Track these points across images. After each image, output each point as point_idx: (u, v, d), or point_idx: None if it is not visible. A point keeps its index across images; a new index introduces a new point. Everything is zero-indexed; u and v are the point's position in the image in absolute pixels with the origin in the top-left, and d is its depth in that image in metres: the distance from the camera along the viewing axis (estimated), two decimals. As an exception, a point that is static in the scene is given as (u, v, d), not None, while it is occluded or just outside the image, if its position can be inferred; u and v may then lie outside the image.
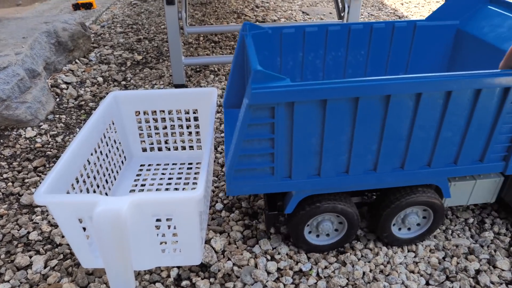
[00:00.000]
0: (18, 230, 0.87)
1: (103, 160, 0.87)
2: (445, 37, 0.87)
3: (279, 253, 0.79)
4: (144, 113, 0.99)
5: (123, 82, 1.56)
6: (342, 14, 1.44)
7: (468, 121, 0.63)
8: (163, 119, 1.03)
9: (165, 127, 1.03)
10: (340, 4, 1.47)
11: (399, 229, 0.78)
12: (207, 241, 0.82)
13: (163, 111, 0.99)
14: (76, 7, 2.46)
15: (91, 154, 0.81)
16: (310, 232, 0.76)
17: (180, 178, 0.99)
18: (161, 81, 1.56)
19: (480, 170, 0.70)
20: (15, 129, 1.23)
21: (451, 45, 0.88)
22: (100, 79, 1.57)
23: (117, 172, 0.96)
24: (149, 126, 1.00)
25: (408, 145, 0.64)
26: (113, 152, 0.93)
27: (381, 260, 0.78)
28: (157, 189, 0.95)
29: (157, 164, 1.04)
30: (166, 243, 0.70)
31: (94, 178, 0.82)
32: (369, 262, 0.78)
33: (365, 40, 0.85)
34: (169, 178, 0.99)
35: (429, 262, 0.78)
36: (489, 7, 0.82)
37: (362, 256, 0.79)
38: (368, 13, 2.51)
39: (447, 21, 0.85)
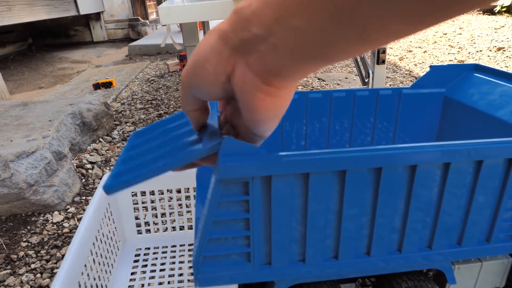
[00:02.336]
0: (49, 329, 0.80)
1: (103, 249, 0.85)
2: (432, 105, 0.86)
3: None
4: (141, 193, 0.99)
5: (148, 159, 1.55)
6: (366, 80, 1.46)
7: (470, 196, 0.59)
8: (161, 199, 1.02)
9: (162, 208, 1.02)
10: (363, 70, 1.49)
11: None
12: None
13: (161, 191, 0.97)
14: (97, 86, 2.54)
15: (93, 244, 0.79)
16: None
17: (182, 262, 0.96)
18: (186, 156, 1.54)
19: (487, 252, 0.64)
20: (42, 214, 1.20)
21: (439, 114, 0.87)
22: (125, 157, 1.56)
23: (114, 260, 0.92)
24: (146, 207, 0.96)
25: (405, 224, 0.59)
26: (110, 238, 0.92)
27: None
28: (160, 277, 0.91)
29: (155, 247, 1.01)
30: None
31: (96, 270, 0.79)
32: None
33: (349, 108, 0.84)
34: (171, 263, 0.96)
35: None
36: (475, 74, 0.81)
37: None
38: (383, 76, 2.57)
39: (433, 88, 0.84)
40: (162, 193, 0.97)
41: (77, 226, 1.17)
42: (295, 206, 0.54)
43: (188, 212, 1.02)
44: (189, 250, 0.98)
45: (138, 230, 1.01)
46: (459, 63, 0.87)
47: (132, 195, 0.97)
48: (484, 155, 0.53)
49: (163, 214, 1.05)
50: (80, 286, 0.69)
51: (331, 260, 0.59)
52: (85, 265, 0.73)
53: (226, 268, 0.57)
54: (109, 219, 0.91)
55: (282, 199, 0.52)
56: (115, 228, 0.95)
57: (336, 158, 0.50)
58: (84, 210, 1.24)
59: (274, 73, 0.30)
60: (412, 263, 0.61)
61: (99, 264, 0.80)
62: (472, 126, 0.77)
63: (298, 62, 0.29)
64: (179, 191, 0.99)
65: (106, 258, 0.86)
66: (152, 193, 0.97)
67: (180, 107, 2.19)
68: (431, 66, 0.83)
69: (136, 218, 1.00)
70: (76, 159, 1.54)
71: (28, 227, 1.16)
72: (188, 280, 0.89)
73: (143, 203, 0.99)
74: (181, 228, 1.02)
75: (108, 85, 2.59)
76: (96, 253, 0.80)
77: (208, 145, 0.45)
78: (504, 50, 2.92)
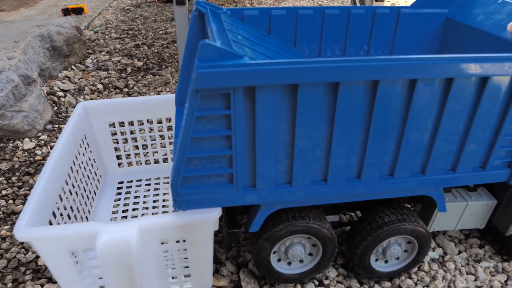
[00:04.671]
0: (25, 255, 0.77)
1: (80, 180, 0.80)
2: (432, 26, 0.80)
3: (327, 278, 0.71)
4: (120, 124, 0.92)
5: (125, 89, 1.47)
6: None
7: (469, 118, 0.55)
8: (141, 130, 0.96)
9: (143, 139, 0.96)
10: (358, 2, 1.41)
11: (376, 260, 0.71)
12: (245, 264, 0.72)
13: (141, 122, 0.92)
14: (66, 12, 2.35)
15: (68, 174, 0.74)
16: (279, 260, 0.67)
17: (166, 194, 0.92)
18: (167, 88, 1.47)
19: (482, 178, 0.62)
20: (11, 141, 1.12)
21: (440, 35, 0.82)
22: (100, 86, 1.47)
23: (94, 193, 0.88)
24: (125, 139, 0.90)
25: (399, 146, 0.55)
26: (89, 171, 0.86)
27: (441, 285, 0.70)
28: (144, 208, 0.88)
29: (138, 180, 0.96)
30: (173, 269, 0.64)
31: (74, 201, 0.75)
32: (427, 286, 0.70)
33: (343, 26, 0.78)
34: (155, 195, 0.92)
35: (491, 286, 0.71)
36: None
37: (418, 280, 0.72)
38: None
39: (434, 9, 0.79)
40: (142, 124, 0.90)
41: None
42: (282, 122, 0.50)
43: (171, 143, 0.97)
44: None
45: (119, 163, 0.96)
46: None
47: (110, 126, 0.90)
48: (490, 70, 0.49)
49: (144, 146, 0.99)
50: (55, 216, 0.65)
51: (320, 183, 0.56)
52: (60, 195, 0.68)
53: (207, 190, 0.54)
54: (86, 150, 0.85)
55: (267, 114, 0.48)
56: (94, 160, 0.89)
57: (329, 67, 0.45)
58: (57, 138, 1.17)
59: None
60: (403, 188, 0.59)
61: (77, 195, 0.76)
62: (475, 48, 0.72)
63: None
64: (159, 122, 0.93)
65: (85, 190, 0.81)
66: (131, 123, 0.90)
67: (159, 38, 2.05)
68: None
69: (116, 150, 0.95)
70: (46, 86, 1.43)
71: (-4, 153, 1.09)
72: (173, 211, 0.86)
73: (122, 134, 0.93)
74: (165, 160, 0.97)
75: (79, 11, 2.39)
76: (73, 184, 0.75)
77: None
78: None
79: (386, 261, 0.70)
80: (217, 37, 0.53)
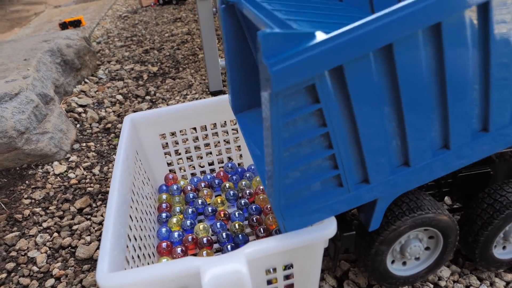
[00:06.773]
0: (89, 296, 0.66)
1: (142, 203, 0.70)
2: None
3: (440, 278, 0.63)
4: (171, 134, 0.84)
5: (148, 97, 1.36)
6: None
7: None
8: (196, 139, 0.88)
9: (198, 148, 0.89)
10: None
11: (495, 246, 0.62)
12: (345, 275, 0.63)
13: (194, 129, 0.84)
14: (64, 26, 2.23)
15: (132, 201, 0.64)
16: (393, 262, 0.59)
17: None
18: (192, 90, 1.36)
19: None
20: (40, 166, 1.01)
21: None
22: (120, 97, 1.37)
23: (152, 214, 0.77)
24: (177, 150, 0.82)
25: None
26: (146, 191, 0.76)
27: None
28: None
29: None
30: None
31: (137, 229, 0.64)
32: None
33: None
34: None
35: None
36: None
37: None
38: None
39: None
40: (194, 130, 0.81)
41: (86, 176, 1.00)
42: (383, 97, 0.41)
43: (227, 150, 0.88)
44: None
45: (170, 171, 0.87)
46: None
47: (160, 138, 0.81)
48: None
49: (199, 156, 0.89)
50: (130, 252, 0.55)
51: (442, 152, 0.47)
52: (130, 226, 0.59)
53: (316, 202, 0.45)
54: (140, 168, 0.75)
55: (364, 93, 0.39)
56: (148, 178, 0.80)
57: (427, 5, 0.35)
58: (88, 157, 1.07)
59: None
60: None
61: (137, 221, 0.66)
62: None
63: None
64: (213, 127, 0.84)
65: (143, 213, 0.70)
66: (174, 134, 0.80)
67: (167, 40, 1.95)
68: None
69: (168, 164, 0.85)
70: (63, 103, 1.33)
71: (27, 181, 0.98)
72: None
73: (175, 144, 0.83)
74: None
75: (77, 23, 2.27)
76: (136, 208, 0.65)
77: None
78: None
79: (504, 247, 0.62)
80: (270, 22, 0.43)
